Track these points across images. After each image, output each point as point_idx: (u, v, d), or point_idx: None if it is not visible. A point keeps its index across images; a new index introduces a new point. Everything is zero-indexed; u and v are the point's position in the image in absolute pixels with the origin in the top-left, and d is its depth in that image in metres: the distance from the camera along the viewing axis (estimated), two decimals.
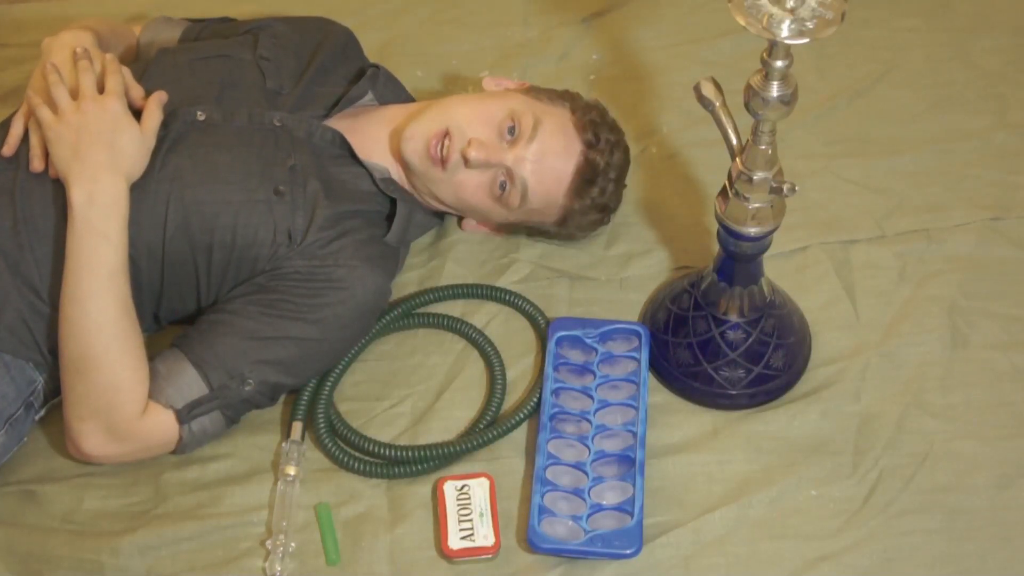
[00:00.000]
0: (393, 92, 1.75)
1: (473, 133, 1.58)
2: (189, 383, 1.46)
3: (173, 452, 1.50)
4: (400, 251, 1.65)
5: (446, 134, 1.58)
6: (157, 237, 1.50)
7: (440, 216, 1.74)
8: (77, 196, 1.43)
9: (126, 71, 1.55)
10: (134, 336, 1.45)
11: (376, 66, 1.74)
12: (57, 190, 1.47)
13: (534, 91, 1.68)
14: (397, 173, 1.65)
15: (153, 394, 1.45)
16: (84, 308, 1.42)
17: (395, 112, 1.69)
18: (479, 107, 1.62)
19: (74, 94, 1.49)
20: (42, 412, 1.53)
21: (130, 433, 1.44)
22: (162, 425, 1.46)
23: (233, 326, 1.48)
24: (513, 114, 1.60)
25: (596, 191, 1.63)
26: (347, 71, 1.74)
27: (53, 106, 1.48)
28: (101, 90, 1.50)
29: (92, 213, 1.43)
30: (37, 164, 1.49)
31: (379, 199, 1.62)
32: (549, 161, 1.60)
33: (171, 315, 1.58)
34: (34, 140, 1.50)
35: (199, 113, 1.56)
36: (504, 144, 1.59)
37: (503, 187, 1.61)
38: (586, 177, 1.62)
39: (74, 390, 1.44)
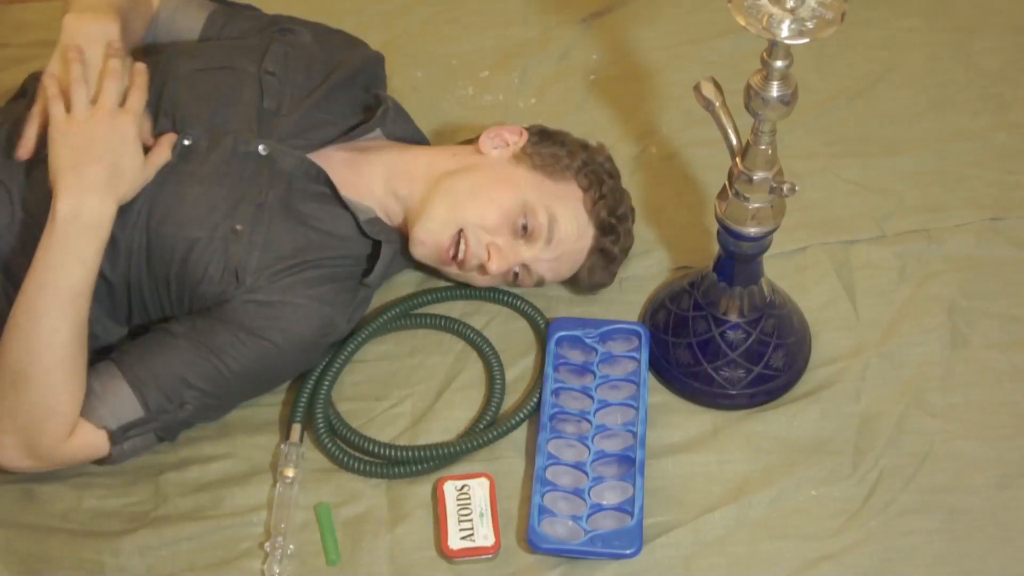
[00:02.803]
0: (402, 128, 1.70)
1: (489, 238, 1.56)
2: (124, 403, 1.43)
3: (99, 463, 1.47)
4: (363, 288, 1.59)
5: (460, 235, 1.56)
6: (124, 261, 1.48)
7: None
8: (63, 208, 1.38)
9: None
10: (80, 360, 1.41)
11: (383, 96, 1.68)
12: (43, 192, 1.44)
13: (536, 154, 1.61)
14: (383, 212, 1.62)
15: (84, 411, 1.41)
16: (37, 323, 1.38)
17: (396, 163, 1.63)
18: (491, 202, 1.56)
19: (92, 97, 1.44)
20: None
21: (52, 454, 1.41)
22: (91, 446, 1.43)
23: (175, 349, 1.44)
24: (526, 208, 1.56)
25: (608, 275, 1.65)
26: (353, 98, 1.68)
27: (68, 100, 1.43)
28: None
29: (72, 230, 1.38)
30: (23, 153, 1.45)
31: (358, 242, 1.57)
32: (565, 257, 1.60)
33: (144, 318, 1.53)
34: (31, 131, 1.46)
35: (186, 139, 1.52)
36: (519, 242, 1.58)
37: (516, 277, 1.61)
38: (599, 264, 1.63)
39: (6, 404, 1.39)
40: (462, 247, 1.56)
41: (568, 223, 1.58)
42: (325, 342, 1.55)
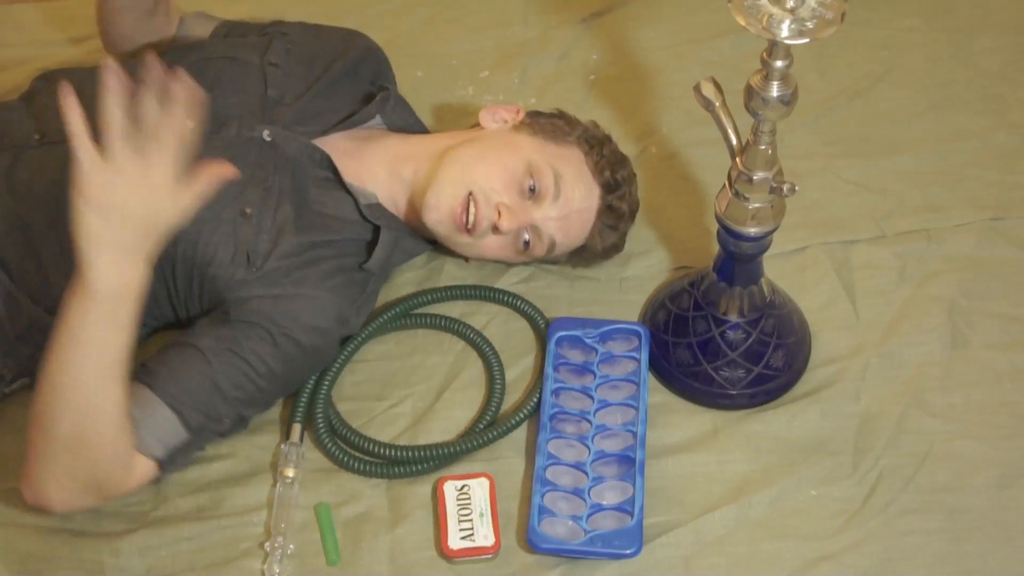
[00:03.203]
0: (402, 117, 1.72)
1: (498, 197, 1.57)
2: (165, 427, 1.39)
3: None
4: (371, 279, 1.60)
5: (470, 199, 1.57)
6: None
7: (433, 242, 1.69)
8: (94, 281, 1.25)
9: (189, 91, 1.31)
10: (127, 407, 1.33)
11: (387, 88, 1.71)
12: (44, 175, 1.44)
13: (535, 123, 1.65)
14: (387, 198, 1.63)
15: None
16: (88, 395, 1.30)
17: (399, 148, 1.65)
18: (497, 164, 1.58)
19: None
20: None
21: (113, 491, 1.37)
22: (144, 476, 1.39)
23: (204, 363, 1.42)
24: (531, 168, 1.58)
25: (618, 236, 1.66)
26: (356, 88, 1.70)
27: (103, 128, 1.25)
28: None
29: (107, 302, 1.26)
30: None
31: (360, 227, 1.59)
32: (574, 215, 1.61)
33: (149, 319, 1.53)
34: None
35: (188, 122, 1.52)
36: (528, 203, 1.58)
37: (527, 244, 1.61)
38: (608, 223, 1.64)
39: (63, 467, 1.33)
40: (472, 211, 1.56)
41: (574, 181, 1.60)
42: (341, 335, 1.55)
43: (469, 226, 1.57)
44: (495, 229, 1.58)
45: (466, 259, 1.71)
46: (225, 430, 1.46)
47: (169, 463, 1.41)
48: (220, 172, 1.32)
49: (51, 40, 2.00)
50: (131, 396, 1.36)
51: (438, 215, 1.58)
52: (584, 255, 1.67)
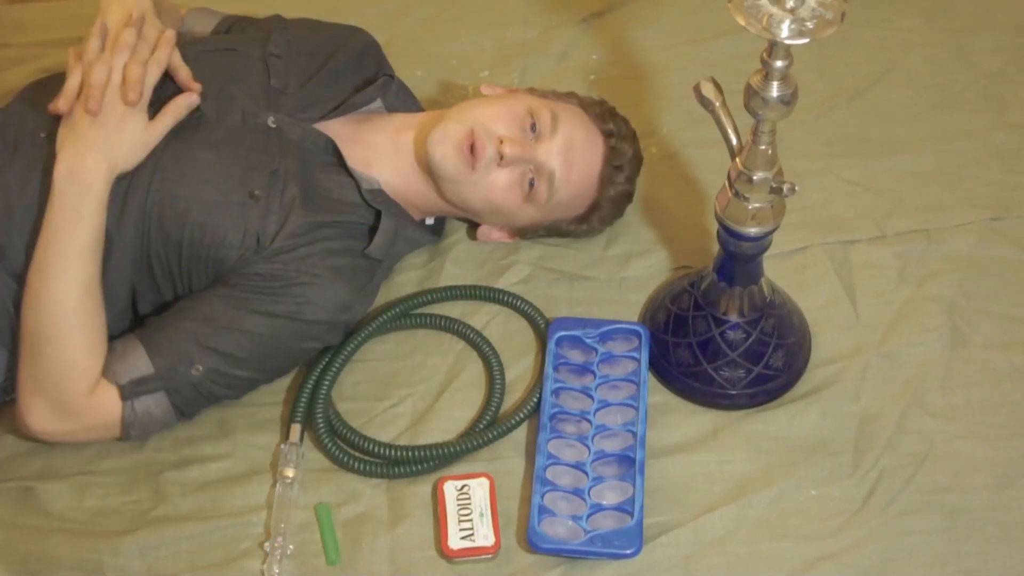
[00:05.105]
0: (404, 102, 1.74)
1: (500, 131, 1.60)
2: (137, 362, 1.45)
3: (119, 438, 1.49)
4: (378, 270, 1.62)
5: (472, 135, 1.59)
6: (135, 226, 1.49)
7: (438, 232, 1.72)
8: (59, 169, 1.44)
9: (176, 54, 1.55)
10: (95, 316, 1.45)
11: (390, 75, 1.73)
12: (46, 179, 1.46)
13: (537, 91, 1.71)
14: (390, 186, 1.64)
15: (103, 371, 1.45)
16: (47, 283, 1.43)
17: (400, 121, 1.68)
18: (498, 107, 1.63)
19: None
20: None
21: (76, 410, 1.45)
22: (107, 402, 1.45)
23: (190, 311, 1.48)
24: (531, 111, 1.62)
25: (623, 178, 1.68)
26: (358, 78, 1.73)
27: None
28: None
29: (69, 189, 1.43)
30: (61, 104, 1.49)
31: (364, 211, 1.60)
32: (576, 153, 1.63)
33: (150, 306, 1.55)
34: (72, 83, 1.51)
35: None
36: (530, 139, 1.61)
37: (531, 184, 1.62)
38: (615, 164, 1.67)
39: (28, 365, 1.44)
40: (476, 144, 1.59)
41: (573, 121, 1.64)
42: (341, 320, 1.55)
43: (475, 154, 1.58)
44: (500, 159, 1.59)
45: (473, 236, 1.72)
46: (202, 382, 1.48)
47: (132, 394, 1.45)
48: (187, 102, 1.52)
49: (51, 40, 2.00)
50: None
51: (443, 149, 1.59)
52: (590, 207, 1.68)
